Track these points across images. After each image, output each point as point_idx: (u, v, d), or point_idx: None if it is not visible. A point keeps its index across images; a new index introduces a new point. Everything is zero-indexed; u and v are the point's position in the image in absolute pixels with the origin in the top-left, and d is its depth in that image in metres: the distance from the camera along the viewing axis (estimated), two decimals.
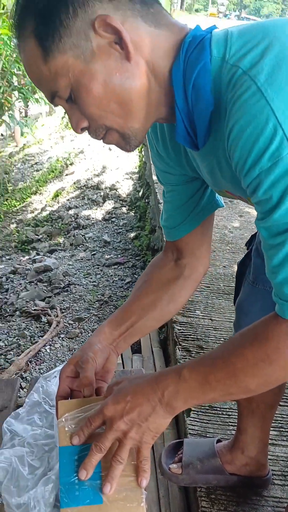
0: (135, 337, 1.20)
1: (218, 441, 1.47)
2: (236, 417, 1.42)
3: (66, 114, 0.89)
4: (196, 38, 0.83)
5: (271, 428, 1.40)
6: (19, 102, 8.79)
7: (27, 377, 3.08)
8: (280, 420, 1.69)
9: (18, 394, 2.74)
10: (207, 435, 1.63)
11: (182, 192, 1.16)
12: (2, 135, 11.85)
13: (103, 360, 1.12)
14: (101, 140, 0.89)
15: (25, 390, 2.89)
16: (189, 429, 1.67)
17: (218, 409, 1.76)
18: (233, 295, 2.62)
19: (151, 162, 1.19)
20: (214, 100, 0.82)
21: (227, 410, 1.75)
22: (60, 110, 12.44)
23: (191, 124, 0.87)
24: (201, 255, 1.23)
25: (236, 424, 1.43)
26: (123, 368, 2.54)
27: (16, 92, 8.26)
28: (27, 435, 1.21)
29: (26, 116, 11.47)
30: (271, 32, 0.75)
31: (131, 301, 1.21)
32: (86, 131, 0.89)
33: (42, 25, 0.79)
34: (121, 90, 0.82)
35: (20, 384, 2.93)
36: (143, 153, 7.49)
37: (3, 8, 6.24)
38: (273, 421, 1.38)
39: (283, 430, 1.65)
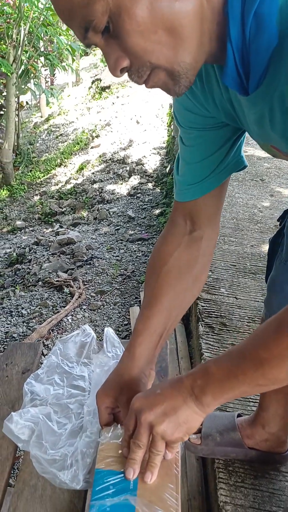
0: (166, 339, 1.11)
1: (238, 415, 1.49)
2: (257, 394, 1.43)
3: (102, 54, 0.76)
4: None
5: None
6: (46, 70, 8.51)
7: (49, 345, 3.14)
8: None
9: (40, 360, 2.79)
10: (227, 410, 1.65)
11: (209, 140, 0.99)
12: (27, 103, 11.76)
13: None
14: (144, 85, 0.75)
15: (47, 356, 2.94)
16: None
17: None
18: (259, 275, 2.62)
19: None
20: (279, 34, 0.67)
21: None
22: (87, 81, 12.27)
23: (243, 63, 0.73)
24: (216, 223, 1.10)
25: (256, 400, 1.45)
26: None
27: (42, 59, 7.91)
28: (48, 395, 1.23)
29: (52, 85, 11.26)
30: None
31: (156, 301, 1.08)
32: (127, 73, 0.74)
33: None
34: (170, 13, 0.66)
35: (42, 351, 2.99)
36: (172, 127, 7.38)
37: None
38: None
39: None
